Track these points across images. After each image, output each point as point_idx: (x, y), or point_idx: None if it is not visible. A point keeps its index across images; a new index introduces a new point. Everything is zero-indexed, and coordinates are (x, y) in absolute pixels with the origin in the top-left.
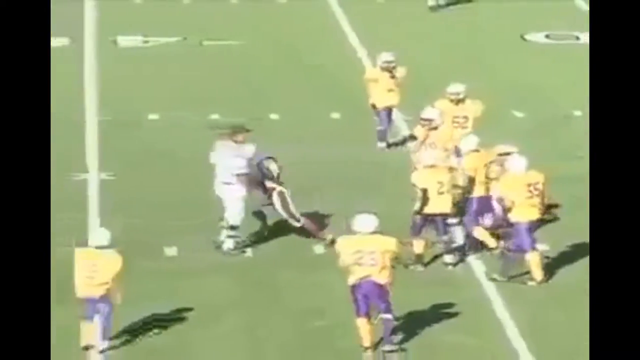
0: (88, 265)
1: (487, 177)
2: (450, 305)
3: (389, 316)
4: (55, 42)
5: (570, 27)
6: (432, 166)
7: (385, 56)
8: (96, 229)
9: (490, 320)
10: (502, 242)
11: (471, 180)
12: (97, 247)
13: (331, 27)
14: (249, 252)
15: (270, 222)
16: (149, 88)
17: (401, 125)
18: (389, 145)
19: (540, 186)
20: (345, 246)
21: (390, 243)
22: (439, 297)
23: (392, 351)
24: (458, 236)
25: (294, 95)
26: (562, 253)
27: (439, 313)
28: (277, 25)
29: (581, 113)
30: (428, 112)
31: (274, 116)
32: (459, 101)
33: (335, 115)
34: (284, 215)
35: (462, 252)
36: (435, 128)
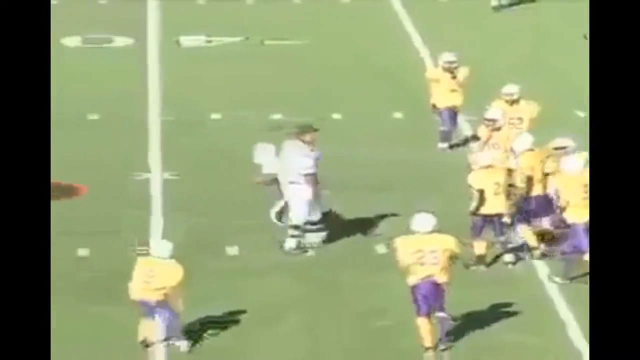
0: (145, 271)
1: (543, 174)
2: (511, 304)
3: (444, 314)
4: (119, 42)
5: None
6: (488, 167)
7: (447, 56)
8: (159, 240)
9: (552, 320)
10: (542, 245)
11: (529, 180)
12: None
13: (394, 26)
14: (310, 252)
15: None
16: (211, 88)
17: (463, 126)
18: (451, 147)
19: None
20: (404, 246)
21: (449, 242)
22: (500, 296)
23: (445, 349)
24: (515, 236)
25: (356, 95)
26: None
27: (500, 312)
28: (340, 25)
29: None
30: (492, 113)
31: (336, 116)
32: (513, 102)
33: (398, 115)
34: None
35: (521, 252)
36: (499, 129)
